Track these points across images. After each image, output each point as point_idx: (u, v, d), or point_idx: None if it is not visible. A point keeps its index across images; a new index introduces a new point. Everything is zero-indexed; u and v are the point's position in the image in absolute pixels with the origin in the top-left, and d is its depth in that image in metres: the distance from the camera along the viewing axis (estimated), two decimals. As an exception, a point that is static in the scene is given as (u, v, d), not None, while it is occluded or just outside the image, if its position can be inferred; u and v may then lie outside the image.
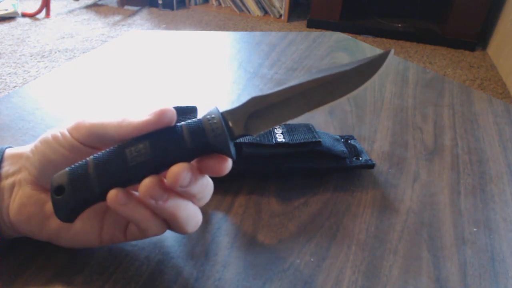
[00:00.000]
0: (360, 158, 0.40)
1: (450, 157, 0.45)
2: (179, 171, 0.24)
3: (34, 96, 0.51)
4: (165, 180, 0.25)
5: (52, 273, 0.28)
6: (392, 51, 0.28)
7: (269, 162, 0.38)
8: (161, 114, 0.25)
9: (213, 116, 0.26)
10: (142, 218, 0.26)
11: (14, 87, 1.79)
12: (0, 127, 0.44)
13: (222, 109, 0.27)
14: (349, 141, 0.42)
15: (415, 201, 0.38)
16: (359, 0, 2.73)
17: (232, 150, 0.26)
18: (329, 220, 0.35)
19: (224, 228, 0.34)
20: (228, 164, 0.27)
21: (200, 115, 0.31)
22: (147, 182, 0.24)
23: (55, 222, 0.27)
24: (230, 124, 0.26)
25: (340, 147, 0.40)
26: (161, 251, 0.31)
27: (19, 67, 1.97)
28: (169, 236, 0.32)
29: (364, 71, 0.28)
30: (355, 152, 0.41)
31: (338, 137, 0.42)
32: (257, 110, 0.27)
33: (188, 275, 0.29)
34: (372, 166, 0.40)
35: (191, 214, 0.27)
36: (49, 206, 0.27)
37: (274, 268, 0.30)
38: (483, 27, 2.45)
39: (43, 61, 2.05)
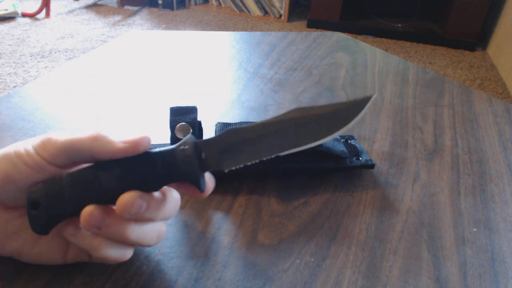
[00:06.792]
0: (360, 158, 0.40)
1: (450, 157, 0.45)
2: (129, 200, 0.24)
3: (34, 96, 0.51)
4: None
5: (52, 273, 0.28)
6: (375, 95, 0.27)
7: (269, 162, 0.38)
8: (137, 144, 0.25)
9: (186, 147, 0.26)
10: (91, 247, 0.25)
11: (14, 87, 1.79)
12: (0, 127, 0.44)
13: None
14: (349, 141, 0.42)
15: (415, 201, 0.38)
16: (359, 0, 2.73)
17: (202, 182, 0.26)
18: (329, 220, 0.35)
19: (224, 228, 0.34)
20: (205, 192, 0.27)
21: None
22: (84, 212, 0.24)
23: (17, 242, 0.27)
24: (203, 156, 0.26)
25: (340, 147, 0.40)
26: (161, 251, 0.31)
27: (19, 67, 1.97)
28: (169, 236, 0.32)
29: (343, 115, 0.26)
30: (355, 152, 0.41)
31: (338, 137, 0.42)
32: (231, 144, 0.26)
33: (188, 275, 0.29)
34: (372, 166, 0.40)
35: (145, 233, 0.26)
36: (11, 225, 0.26)
37: (274, 268, 0.30)
38: (483, 27, 2.45)
39: (43, 61, 2.05)
